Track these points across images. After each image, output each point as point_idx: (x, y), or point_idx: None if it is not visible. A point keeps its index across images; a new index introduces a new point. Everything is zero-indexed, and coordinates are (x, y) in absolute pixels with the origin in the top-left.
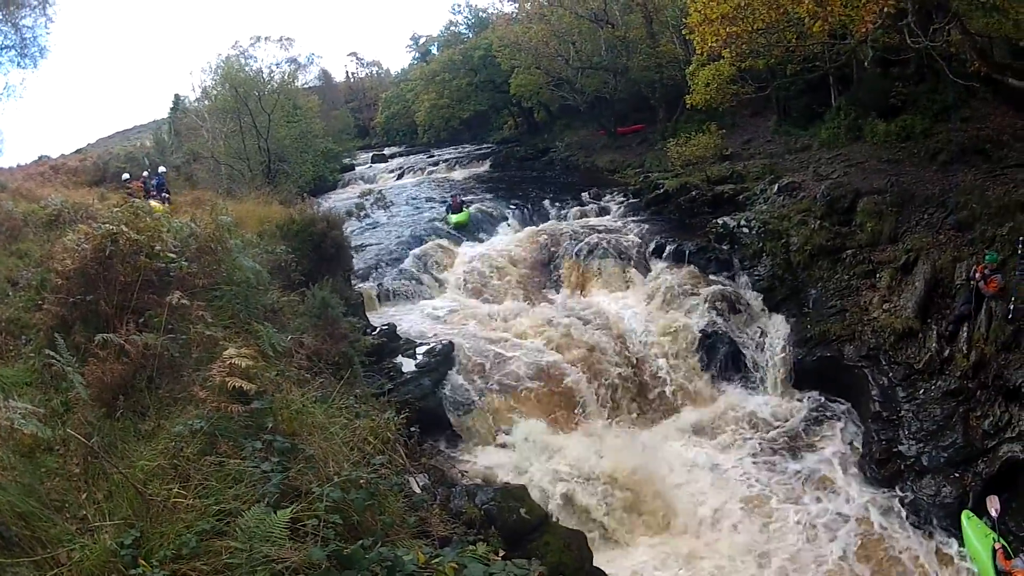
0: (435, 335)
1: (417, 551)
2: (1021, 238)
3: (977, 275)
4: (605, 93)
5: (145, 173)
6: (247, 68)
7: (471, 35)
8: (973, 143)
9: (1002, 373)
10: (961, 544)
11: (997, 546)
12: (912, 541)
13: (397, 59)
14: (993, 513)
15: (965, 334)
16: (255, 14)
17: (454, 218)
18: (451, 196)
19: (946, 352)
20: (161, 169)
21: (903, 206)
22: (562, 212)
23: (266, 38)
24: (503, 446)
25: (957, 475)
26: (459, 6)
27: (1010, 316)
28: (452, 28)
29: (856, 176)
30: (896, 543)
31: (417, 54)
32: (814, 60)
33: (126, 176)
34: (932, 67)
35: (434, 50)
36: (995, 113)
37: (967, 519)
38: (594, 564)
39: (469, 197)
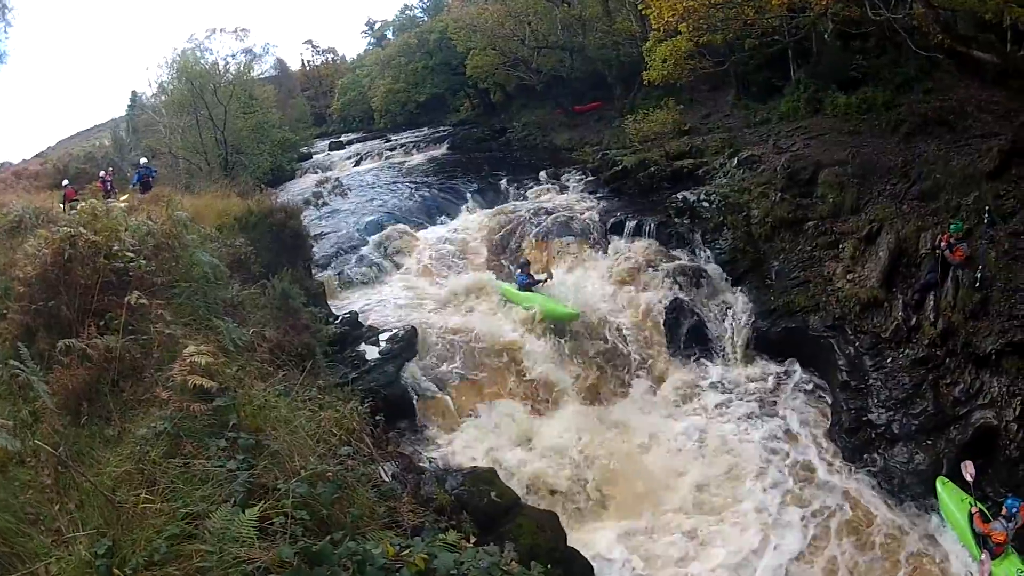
0: (397, 321)
1: (386, 543)
2: (987, 207)
3: (943, 244)
4: (562, 72)
5: (102, 172)
6: (203, 61)
7: (426, 18)
8: (936, 114)
9: (971, 340)
10: (937, 509)
11: (974, 510)
12: (885, 508)
13: (353, 45)
14: (968, 478)
15: (932, 303)
16: (212, 6)
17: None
18: (519, 267)
19: (913, 321)
20: (143, 160)
21: (865, 177)
22: (521, 192)
23: (221, 30)
24: (471, 429)
25: (929, 442)
26: None
27: (978, 284)
28: (407, 12)
29: (817, 148)
30: (870, 510)
31: (373, 39)
32: (773, 34)
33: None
34: (893, 40)
35: (389, 34)
36: (959, 85)
37: (942, 484)
38: (568, 544)
39: (429, 179)
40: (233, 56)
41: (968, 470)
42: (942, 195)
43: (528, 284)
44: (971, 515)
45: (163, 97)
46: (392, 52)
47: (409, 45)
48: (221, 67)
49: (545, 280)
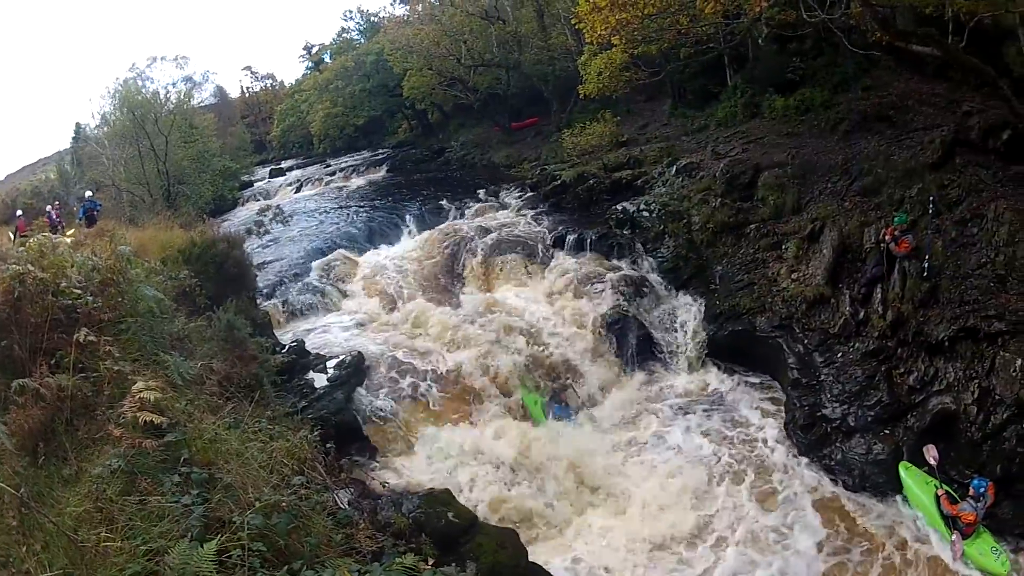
0: (344, 347)
1: (344, 571)
2: (932, 198)
3: (887, 237)
4: (498, 89)
5: (48, 207)
6: (144, 90)
7: (363, 40)
8: (876, 111)
9: (922, 329)
10: (902, 495)
11: (940, 492)
12: (846, 499)
13: (291, 70)
14: (932, 461)
15: (879, 295)
16: (155, 33)
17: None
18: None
19: (861, 315)
20: (88, 194)
21: (805, 177)
22: (461, 211)
23: (162, 58)
24: (423, 452)
25: (887, 432)
26: (351, 12)
27: (925, 274)
28: (344, 35)
29: (755, 152)
30: (832, 503)
31: (310, 63)
32: (708, 42)
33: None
34: (830, 40)
35: (327, 58)
36: (899, 80)
37: (905, 470)
38: (531, 559)
39: (369, 202)
40: (173, 84)
41: (931, 454)
42: (884, 189)
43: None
44: (938, 498)
45: (106, 128)
46: (329, 76)
47: (346, 68)
48: (162, 96)
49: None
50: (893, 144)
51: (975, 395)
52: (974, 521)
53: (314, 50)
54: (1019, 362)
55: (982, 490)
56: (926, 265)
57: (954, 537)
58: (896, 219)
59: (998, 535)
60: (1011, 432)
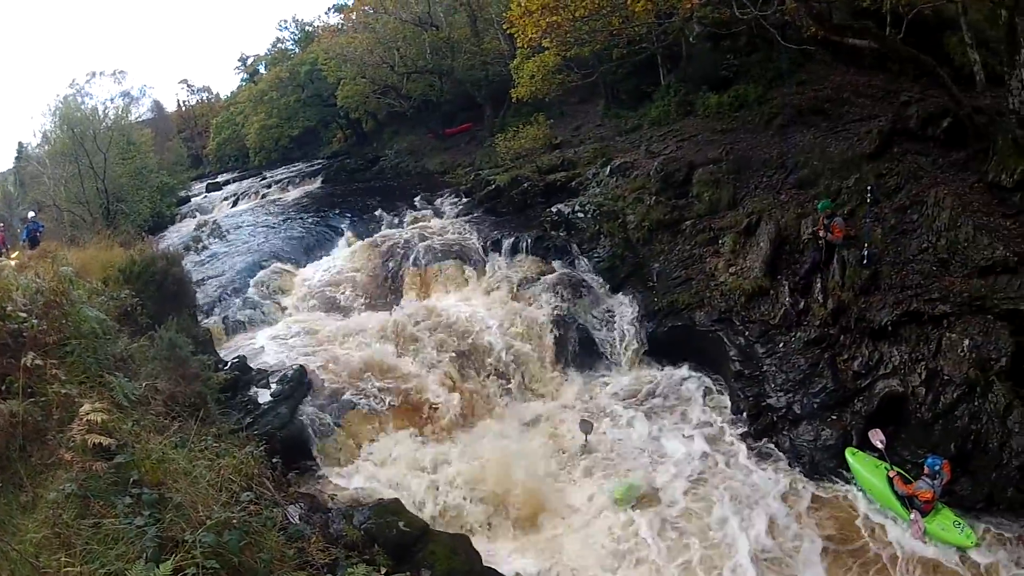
0: (286, 361)
1: None
2: (869, 187)
3: (821, 232)
4: (431, 96)
5: None
6: (83, 107)
7: (298, 50)
8: (811, 104)
9: (864, 315)
10: (852, 480)
11: (892, 474)
12: (799, 484)
13: (228, 82)
14: (879, 444)
15: (819, 284)
16: (94, 49)
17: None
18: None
19: (801, 304)
20: (30, 215)
21: (740, 172)
22: (397, 220)
23: (101, 73)
24: (370, 462)
25: (834, 417)
26: (285, 22)
27: (865, 261)
28: (279, 45)
29: (690, 149)
30: (783, 490)
31: (246, 75)
32: (640, 42)
33: None
34: (764, 37)
35: (262, 69)
36: (835, 73)
37: (852, 455)
38: (485, 563)
39: (305, 214)
40: (112, 100)
41: (877, 437)
42: (821, 181)
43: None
44: (890, 479)
45: (46, 147)
46: (264, 87)
47: (281, 79)
48: (100, 112)
49: None
50: (829, 136)
51: (922, 377)
52: (932, 499)
53: (249, 61)
54: (966, 342)
55: (937, 468)
56: (865, 252)
57: (913, 515)
58: (820, 205)
59: (959, 511)
60: (963, 411)
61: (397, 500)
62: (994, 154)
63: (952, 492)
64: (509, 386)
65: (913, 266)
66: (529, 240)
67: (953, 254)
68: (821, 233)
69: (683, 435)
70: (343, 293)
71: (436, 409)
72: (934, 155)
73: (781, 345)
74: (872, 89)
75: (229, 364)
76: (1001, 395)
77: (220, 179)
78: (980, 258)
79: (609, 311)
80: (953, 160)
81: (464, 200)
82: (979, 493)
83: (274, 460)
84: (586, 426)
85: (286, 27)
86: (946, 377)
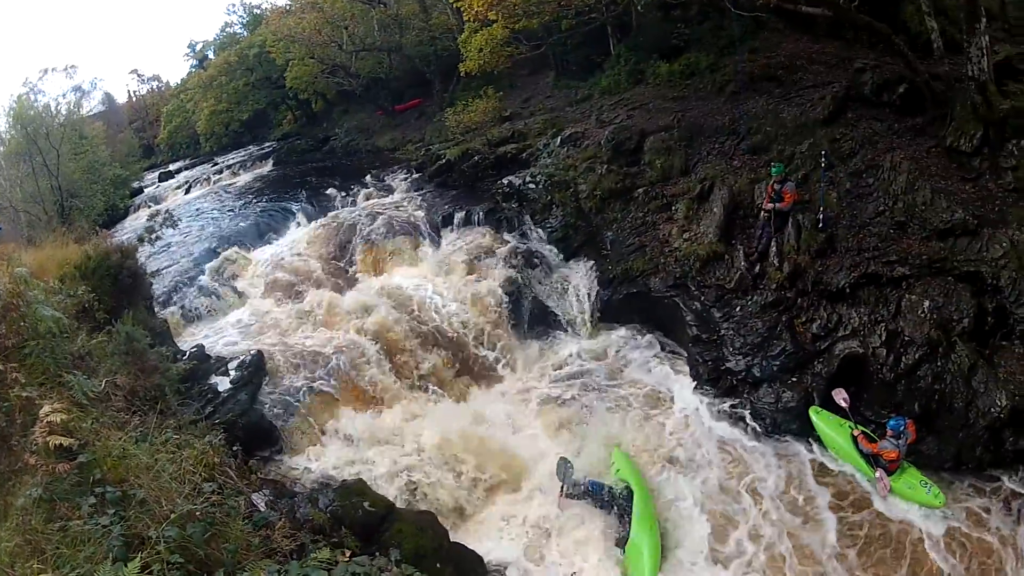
0: (244, 347)
1: (260, 573)
2: (824, 152)
3: (767, 204)
4: (380, 73)
5: None
6: (36, 104)
7: (246, 34)
8: (764, 72)
9: (821, 278)
10: (817, 440)
11: (856, 433)
12: (761, 446)
13: (178, 70)
14: (842, 404)
15: (775, 249)
16: (47, 45)
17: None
18: None
19: (757, 268)
20: None
21: (692, 139)
22: (349, 198)
23: (53, 69)
24: (333, 443)
25: (794, 379)
26: (233, 5)
27: (821, 225)
28: (228, 29)
29: (641, 117)
30: (745, 451)
31: (195, 61)
32: (590, 12)
33: None
34: (715, 5)
35: (211, 54)
36: (787, 41)
37: (816, 414)
38: (454, 539)
39: (257, 197)
40: (64, 95)
41: (841, 396)
42: (774, 146)
43: None
44: (854, 438)
45: (1, 148)
46: (213, 73)
47: (230, 63)
48: (53, 108)
49: None
50: (782, 102)
51: (883, 338)
52: (897, 458)
53: (198, 47)
54: (927, 304)
55: (901, 428)
56: (821, 216)
57: (878, 474)
58: (773, 170)
59: (926, 471)
60: (925, 371)
61: (361, 480)
62: (952, 120)
63: (919, 452)
64: (466, 358)
65: (870, 229)
66: (481, 213)
67: (911, 217)
68: (768, 205)
69: (638, 399)
70: (297, 275)
71: (395, 384)
72: (889, 121)
73: (738, 309)
74: (826, 56)
75: (187, 354)
76: (964, 356)
77: (172, 167)
78: (939, 221)
79: (563, 280)
80: (909, 126)
81: (415, 176)
82: (947, 453)
83: (234, 448)
84: (563, 467)
85: (234, 11)
86: (907, 338)
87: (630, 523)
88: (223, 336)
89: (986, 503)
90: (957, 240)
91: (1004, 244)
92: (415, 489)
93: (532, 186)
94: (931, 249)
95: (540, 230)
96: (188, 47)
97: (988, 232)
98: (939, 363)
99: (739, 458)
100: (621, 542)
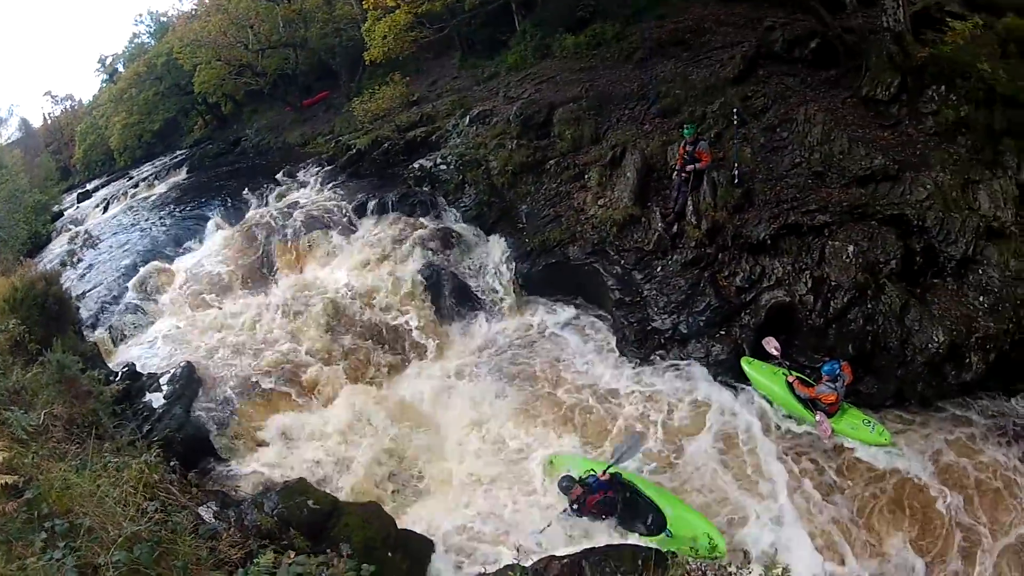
0: (174, 360)
1: None
2: (735, 109)
3: (680, 164)
4: (287, 69)
5: None
6: None
7: (154, 43)
8: (671, 37)
9: (740, 232)
10: (750, 389)
11: (791, 379)
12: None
13: (91, 87)
14: (774, 352)
15: (691, 208)
16: None
17: None
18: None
19: (675, 228)
20: None
21: (602, 108)
22: (264, 198)
23: None
24: (271, 446)
25: (723, 333)
26: (141, 15)
27: (736, 181)
28: (136, 40)
29: (549, 91)
30: (675, 406)
31: (106, 76)
32: None
33: None
34: None
35: (121, 67)
36: (694, 5)
37: (748, 364)
38: (401, 526)
39: (174, 207)
40: None
41: (772, 344)
42: (684, 108)
43: None
44: (790, 384)
45: None
46: (124, 86)
47: (139, 74)
48: None
49: None
50: (691, 65)
51: (809, 285)
52: (836, 400)
53: (108, 61)
54: (851, 248)
55: (837, 371)
56: (736, 172)
57: (818, 417)
58: (685, 131)
59: (868, 411)
60: (856, 313)
61: (302, 479)
62: (867, 70)
63: (858, 392)
64: (390, 345)
65: (787, 181)
66: (394, 199)
67: (829, 167)
68: (680, 164)
69: (568, 368)
70: (219, 281)
71: (324, 380)
72: (802, 75)
73: (659, 269)
74: (735, 18)
75: (119, 374)
76: (895, 296)
77: (90, 187)
78: (858, 168)
79: (482, 258)
80: (823, 79)
81: (327, 168)
82: (887, 391)
83: (171, 464)
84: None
85: (141, 20)
86: (833, 283)
87: (647, 504)
88: (152, 352)
89: (932, 438)
90: (878, 186)
91: (928, 186)
92: (356, 481)
93: (443, 167)
94: (851, 196)
95: (454, 210)
96: (99, 62)
97: (910, 176)
98: (869, 305)
99: (673, 408)
100: (654, 529)
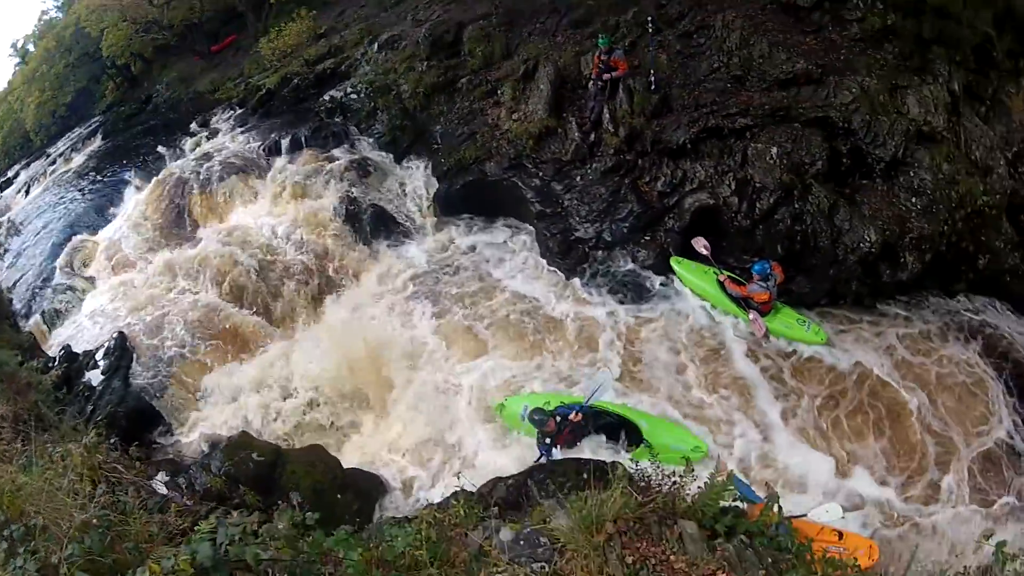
0: (106, 333)
1: (150, 565)
2: (650, 17)
3: (595, 74)
4: (194, 19)
5: None
6: None
7: (62, 16)
8: None
9: (660, 138)
10: (681, 288)
11: (722, 278)
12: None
13: (5, 75)
14: (703, 251)
15: (608, 116)
16: None
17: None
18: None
19: (592, 137)
20: None
21: (512, 23)
22: (177, 151)
23: None
24: (211, 404)
25: (647, 238)
26: None
27: (653, 87)
28: (45, 17)
29: (457, 11)
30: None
31: (19, 59)
32: None
33: None
34: None
35: (32, 47)
36: None
37: (678, 263)
38: (345, 467)
39: (92, 176)
40: None
41: (701, 243)
42: (597, 19)
43: None
44: (721, 283)
45: None
46: (35, 65)
47: (48, 50)
48: None
49: None
50: None
51: (732, 187)
52: (769, 300)
53: (19, 43)
54: (774, 150)
55: (768, 271)
56: (652, 79)
57: (752, 315)
58: (600, 42)
59: (803, 309)
60: (783, 213)
61: (244, 433)
62: None
63: (790, 292)
64: (317, 281)
65: (705, 86)
66: (307, 134)
67: (748, 71)
68: (595, 76)
69: (498, 287)
70: (143, 244)
71: (255, 328)
72: None
73: (578, 179)
74: None
75: (56, 359)
76: (823, 196)
77: (11, 174)
78: (779, 72)
79: (399, 183)
80: None
81: (239, 112)
82: (820, 290)
83: (111, 441)
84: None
85: None
86: (758, 184)
87: (619, 422)
88: (86, 329)
89: (868, 335)
90: (801, 89)
91: (854, 90)
92: (297, 424)
93: (354, 96)
94: (773, 99)
95: (368, 138)
96: (11, 47)
97: (834, 80)
98: (796, 205)
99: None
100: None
